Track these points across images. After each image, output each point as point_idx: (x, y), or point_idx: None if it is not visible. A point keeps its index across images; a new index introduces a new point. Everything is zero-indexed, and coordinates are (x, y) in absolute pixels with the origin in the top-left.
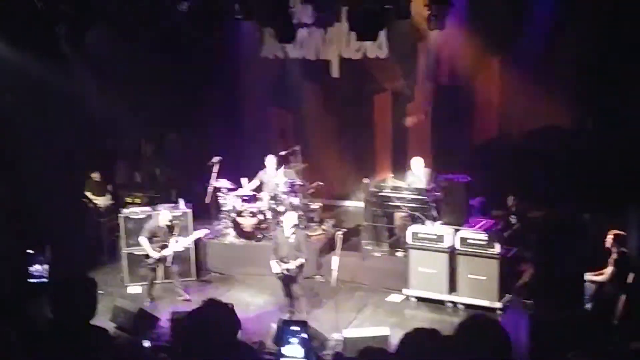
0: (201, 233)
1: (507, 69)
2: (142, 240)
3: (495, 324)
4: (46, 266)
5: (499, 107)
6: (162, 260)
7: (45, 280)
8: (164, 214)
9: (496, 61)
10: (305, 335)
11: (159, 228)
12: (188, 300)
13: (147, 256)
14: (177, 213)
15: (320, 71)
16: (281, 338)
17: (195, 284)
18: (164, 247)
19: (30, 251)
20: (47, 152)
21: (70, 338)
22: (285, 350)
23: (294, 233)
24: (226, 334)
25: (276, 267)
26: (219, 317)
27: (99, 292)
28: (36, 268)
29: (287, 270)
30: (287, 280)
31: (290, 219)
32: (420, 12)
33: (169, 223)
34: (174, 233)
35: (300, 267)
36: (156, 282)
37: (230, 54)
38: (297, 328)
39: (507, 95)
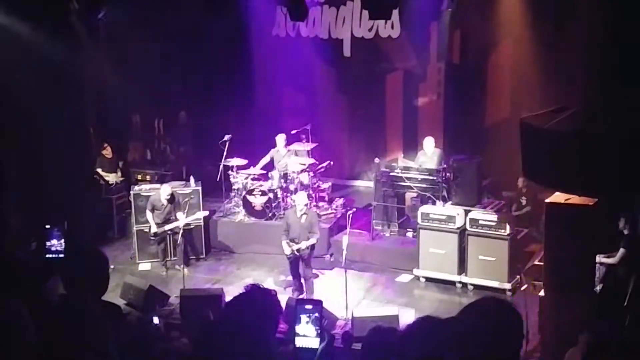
0: (200, 215)
1: (520, 49)
2: (147, 213)
3: (507, 304)
4: (62, 241)
5: (511, 88)
6: (161, 234)
7: (61, 256)
8: (163, 189)
9: (509, 41)
10: (318, 314)
11: (158, 202)
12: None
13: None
14: (187, 190)
15: (333, 50)
16: (295, 316)
17: (204, 262)
18: (169, 221)
19: (48, 226)
20: (59, 129)
21: (82, 313)
22: (298, 328)
23: (305, 213)
24: (270, 320)
25: (287, 248)
26: (264, 302)
27: (110, 267)
28: (53, 243)
29: (298, 250)
30: (297, 260)
31: (301, 199)
32: None
33: (167, 197)
34: (180, 209)
35: (312, 247)
36: (168, 259)
37: (242, 33)
38: (310, 306)
39: (520, 76)
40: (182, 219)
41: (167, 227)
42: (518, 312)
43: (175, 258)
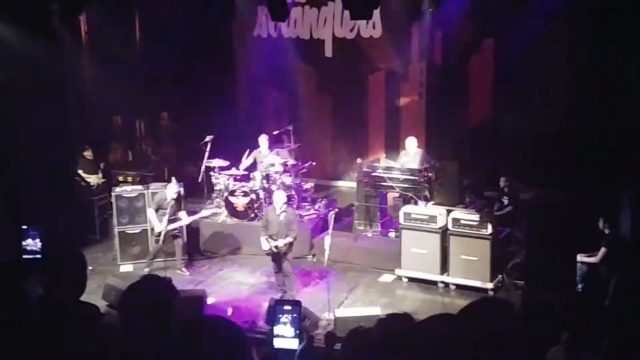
0: (206, 213)
1: (501, 50)
2: (149, 212)
3: (506, 303)
4: (38, 240)
5: (493, 88)
6: (165, 233)
7: (38, 256)
8: (170, 187)
9: (490, 42)
10: (296, 315)
11: (164, 201)
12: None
13: (153, 229)
14: (163, 190)
15: (314, 50)
16: (273, 317)
17: (185, 262)
18: (173, 221)
19: (24, 227)
20: (40, 130)
21: (59, 314)
22: (277, 329)
23: (284, 211)
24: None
25: (265, 244)
26: (156, 292)
27: (89, 267)
28: (29, 242)
29: (276, 247)
30: (276, 257)
31: (280, 197)
32: None
33: (175, 196)
34: (181, 208)
35: (290, 245)
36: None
37: (224, 33)
38: (289, 307)
39: (501, 77)
40: (185, 218)
41: (171, 226)
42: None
43: (162, 259)
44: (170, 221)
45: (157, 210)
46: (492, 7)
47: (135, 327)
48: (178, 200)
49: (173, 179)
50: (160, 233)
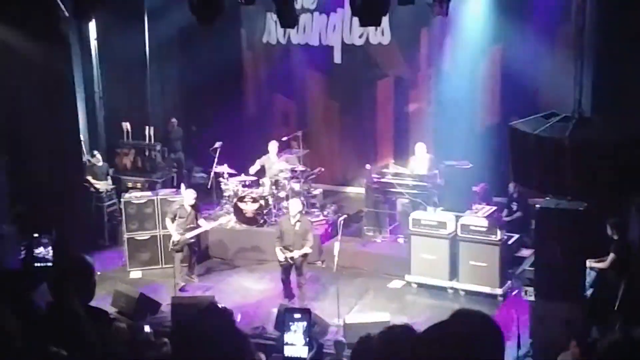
0: (225, 219)
1: (508, 55)
2: (167, 222)
3: (486, 318)
4: (49, 249)
5: (501, 95)
6: (183, 242)
7: (49, 264)
8: (187, 194)
9: (498, 48)
10: (307, 323)
11: (183, 210)
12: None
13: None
14: (178, 198)
15: (323, 57)
16: (283, 324)
17: (196, 269)
18: (192, 228)
19: (36, 234)
20: (49, 136)
21: (69, 321)
22: (287, 337)
23: (299, 220)
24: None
25: (280, 255)
26: (219, 328)
27: (97, 273)
28: (40, 250)
29: (292, 258)
30: (290, 267)
31: (294, 206)
32: None
33: (192, 202)
34: (199, 215)
35: (305, 256)
36: (183, 265)
37: (233, 39)
38: (299, 315)
39: (509, 83)
40: (205, 225)
41: (190, 234)
42: (497, 325)
43: (170, 265)
44: (189, 229)
45: (173, 219)
46: (501, 14)
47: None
48: (195, 207)
49: (182, 185)
50: (178, 242)
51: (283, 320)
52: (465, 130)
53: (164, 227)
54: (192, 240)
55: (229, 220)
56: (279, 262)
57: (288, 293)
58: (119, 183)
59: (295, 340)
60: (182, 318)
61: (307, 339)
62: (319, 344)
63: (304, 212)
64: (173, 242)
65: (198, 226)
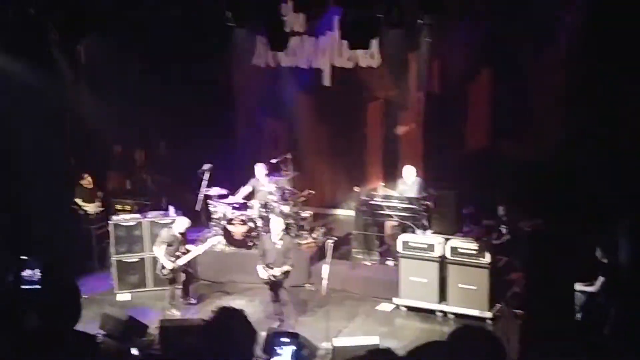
0: (215, 240)
1: (498, 78)
2: (156, 250)
3: (488, 332)
4: (37, 271)
5: (491, 117)
6: (177, 269)
7: (37, 287)
8: (180, 222)
9: (487, 71)
10: (295, 347)
11: (174, 237)
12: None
13: (162, 267)
14: (167, 220)
15: (312, 80)
16: (271, 349)
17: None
18: (178, 256)
19: (24, 257)
20: (38, 158)
21: (56, 344)
22: None
23: (281, 239)
24: (244, 344)
25: (262, 273)
26: (236, 326)
27: (84, 296)
28: (28, 273)
29: (274, 276)
30: (274, 286)
31: (277, 225)
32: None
33: (183, 230)
34: (187, 240)
35: (286, 273)
36: (178, 287)
37: (222, 62)
38: (287, 339)
39: (499, 106)
40: (195, 250)
41: (180, 261)
42: (499, 339)
43: (160, 288)
44: (178, 256)
45: (164, 247)
46: (490, 36)
47: None
48: (183, 234)
49: (171, 207)
50: (172, 269)
51: (271, 344)
52: (454, 153)
53: (153, 250)
54: (187, 266)
55: (219, 241)
56: (262, 281)
57: (279, 313)
58: (108, 205)
59: None
60: (171, 341)
61: None
62: None
63: (293, 234)
64: (166, 271)
65: (187, 251)
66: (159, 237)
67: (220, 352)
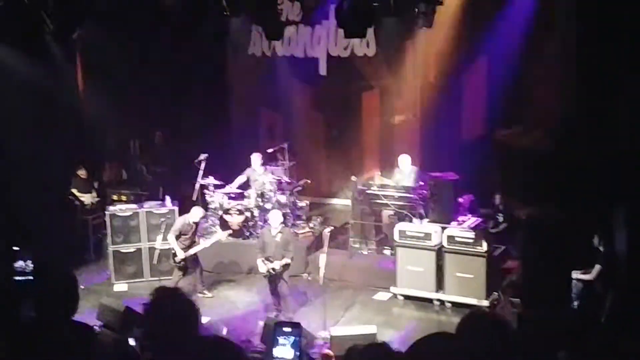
0: (223, 235)
1: (494, 67)
2: (171, 238)
3: (496, 317)
4: (29, 262)
5: (487, 106)
6: (188, 259)
7: (30, 278)
8: (196, 211)
9: (484, 59)
10: (297, 337)
11: (189, 226)
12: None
13: (174, 255)
14: (164, 210)
15: (308, 69)
16: (272, 339)
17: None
18: (190, 246)
19: (16, 248)
20: (34, 149)
21: (52, 335)
22: (276, 351)
23: (280, 232)
24: (185, 321)
25: (262, 266)
26: (174, 305)
27: (81, 287)
28: (20, 264)
29: (273, 269)
30: (273, 279)
31: (275, 218)
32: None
33: (198, 220)
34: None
35: (286, 266)
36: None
37: (218, 51)
38: (289, 329)
39: (494, 94)
40: (203, 242)
41: (191, 251)
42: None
43: (155, 279)
44: (190, 246)
45: (179, 236)
46: (485, 25)
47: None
48: (197, 224)
49: (167, 197)
50: (184, 259)
51: (271, 334)
52: (451, 142)
53: (150, 240)
54: (195, 256)
55: (226, 235)
56: (262, 275)
57: (277, 305)
58: (104, 196)
59: (285, 355)
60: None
61: (297, 354)
62: (310, 358)
63: (289, 225)
64: (178, 259)
65: (198, 242)
66: (174, 226)
67: (166, 332)
